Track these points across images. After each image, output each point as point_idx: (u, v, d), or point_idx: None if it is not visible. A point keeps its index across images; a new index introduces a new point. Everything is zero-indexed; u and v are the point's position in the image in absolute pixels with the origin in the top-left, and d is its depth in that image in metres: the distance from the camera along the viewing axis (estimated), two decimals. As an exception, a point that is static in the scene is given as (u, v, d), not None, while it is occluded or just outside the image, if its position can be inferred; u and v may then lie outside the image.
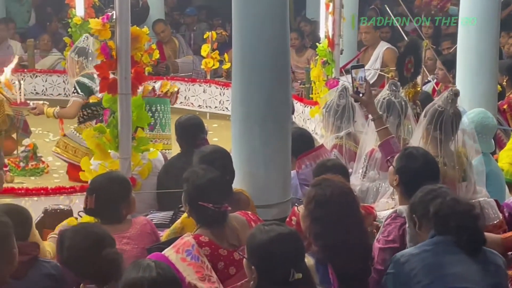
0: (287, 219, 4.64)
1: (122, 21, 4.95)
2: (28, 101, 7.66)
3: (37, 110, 7.60)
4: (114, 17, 5.03)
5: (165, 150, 7.01)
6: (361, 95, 5.14)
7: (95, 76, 7.11)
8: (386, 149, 5.05)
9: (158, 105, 7.47)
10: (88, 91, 7.44)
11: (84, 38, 7.76)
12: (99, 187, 4.36)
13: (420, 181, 4.18)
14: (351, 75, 5.17)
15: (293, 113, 7.89)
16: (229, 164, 4.84)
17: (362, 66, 5.46)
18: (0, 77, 7.79)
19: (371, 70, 9.42)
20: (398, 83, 5.73)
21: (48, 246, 4.29)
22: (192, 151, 5.13)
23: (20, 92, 7.58)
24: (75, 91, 7.50)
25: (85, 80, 7.46)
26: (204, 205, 4.05)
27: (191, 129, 5.90)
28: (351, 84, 5.23)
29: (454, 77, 7.65)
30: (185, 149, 5.82)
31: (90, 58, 7.50)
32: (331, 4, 7.34)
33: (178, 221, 4.57)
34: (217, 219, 4.07)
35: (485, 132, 5.61)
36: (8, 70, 7.82)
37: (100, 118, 6.74)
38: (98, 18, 5.41)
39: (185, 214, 4.43)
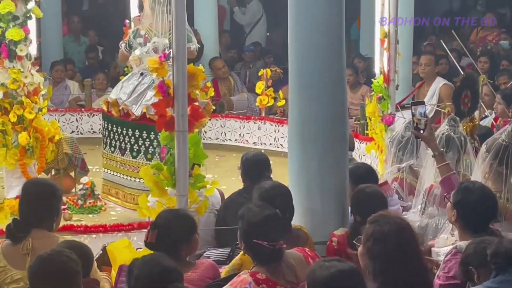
0: (328, 242, 4.63)
1: (179, 59, 4.99)
2: None
3: None
4: (171, 55, 5.07)
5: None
6: (421, 131, 5.10)
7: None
8: (447, 185, 4.98)
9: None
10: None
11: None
12: (163, 222, 4.35)
13: (478, 214, 4.13)
14: (411, 111, 5.13)
15: (353, 150, 7.87)
16: (289, 201, 4.81)
17: (423, 102, 5.40)
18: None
19: (427, 105, 9.33)
20: (457, 118, 5.66)
21: (107, 282, 4.30)
22: (253, 189, 5.12)
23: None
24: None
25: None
26: (259, 243, 4.03)
27: (257, 166, 5.86)
28: (411, 120, 5.19)
29: (513, 111, 7.57)
30: (248, 185, 5.80)
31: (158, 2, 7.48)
32: (386, 40, 7.32)
33: (237, 257, 4.55)
34: (272, 256, 4.04)
35: None
36: None
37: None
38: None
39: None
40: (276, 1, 14.11)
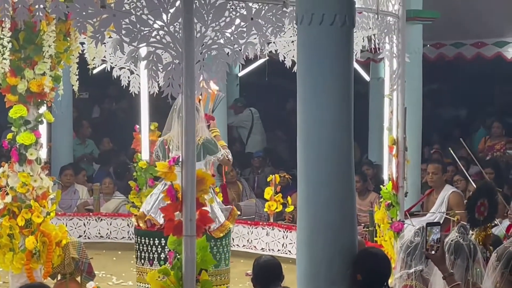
0: None
1: (188, 163, 5.01)
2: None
3: None
4: (180, 159, 5.09)
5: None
6: (433, 252, 5.16)
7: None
8: None
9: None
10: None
11: None
12: None
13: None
14: (425, 232, 5.20)
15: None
16: None
17: (438, 224, 5.44)
18: None
19: (437, 213, 9.31)
20: (467, 226, 5.63)
21: None
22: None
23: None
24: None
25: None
26: None
27: (268, 273, 5.78)
28: (423, 240, 5.22)
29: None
30: (259, 290, 5.74)
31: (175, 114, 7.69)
32: (394, 147, 7.36)
33: None
34: None
35: None
36: None
37: None
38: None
39: None
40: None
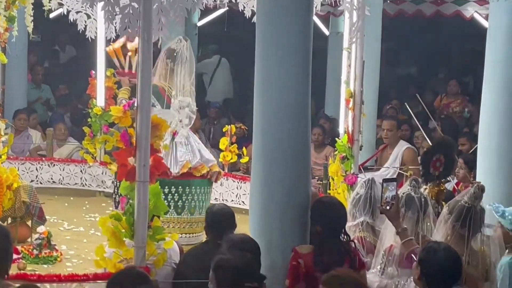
0: (293, 263, 4.60)
1: (143, 109, 4.96)
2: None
3: None
4: (135, 104, 5.03)
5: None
6: (387, 207, 5.22)
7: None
8: (410, 259, 4.94)
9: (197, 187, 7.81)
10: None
11: (177, 40, 7.81)
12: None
13: (442, 274, 4.10)
14: (382, 188, 5.25)
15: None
16: (258, 256, 4.74)
17: (395, 180, 5.47)
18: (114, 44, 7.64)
19: (390, 168, 9.37)
20: (419, 180, 5.67)
21: None
22: (215, 243, 5.05)
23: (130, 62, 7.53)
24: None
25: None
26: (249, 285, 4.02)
27: (221, 222, 5.76)
28: (380, 196, 5.25)
29: (474, 177, 7.59)
30: (210, 239, 5.72)
31: (178, 63, 7.64)
32: (351, 100, 7.35)
33: None
34: None
35: None
36: (119, 40, 7.62)
37: None
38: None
39: None
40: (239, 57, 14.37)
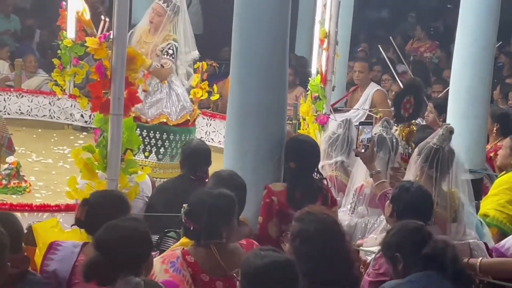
0: (267, 200, 4.65)
1: (119, 41, 4.91)
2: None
3: None
4: (111, 36, 4.98)
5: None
6: (362, 150, 5.23)
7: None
8: (383, 200, 5.00)
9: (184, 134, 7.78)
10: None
11: None
12: (95, 200, 4.25)
13: (413, 212, 4.18)
14: (358, 131, 5.27)
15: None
16: (244, 193, 4.75)
17: (371, 123, 5.49)
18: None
19: (360, 110, 9.43)
20: (391, 121, 5.73)
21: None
22: (189, 178, 5.05)
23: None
24: (170, 52, 7.61)
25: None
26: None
27: (197, 157, 5.79)
28: (355, 139, 5.29)
29: (444, 121, 7.65)
30: (184, 174, 5.74)
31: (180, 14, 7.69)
32: (325, 40, 7.34)
33: (177, 243, 4.47)
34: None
35: None
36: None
37: None
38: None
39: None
40: None
